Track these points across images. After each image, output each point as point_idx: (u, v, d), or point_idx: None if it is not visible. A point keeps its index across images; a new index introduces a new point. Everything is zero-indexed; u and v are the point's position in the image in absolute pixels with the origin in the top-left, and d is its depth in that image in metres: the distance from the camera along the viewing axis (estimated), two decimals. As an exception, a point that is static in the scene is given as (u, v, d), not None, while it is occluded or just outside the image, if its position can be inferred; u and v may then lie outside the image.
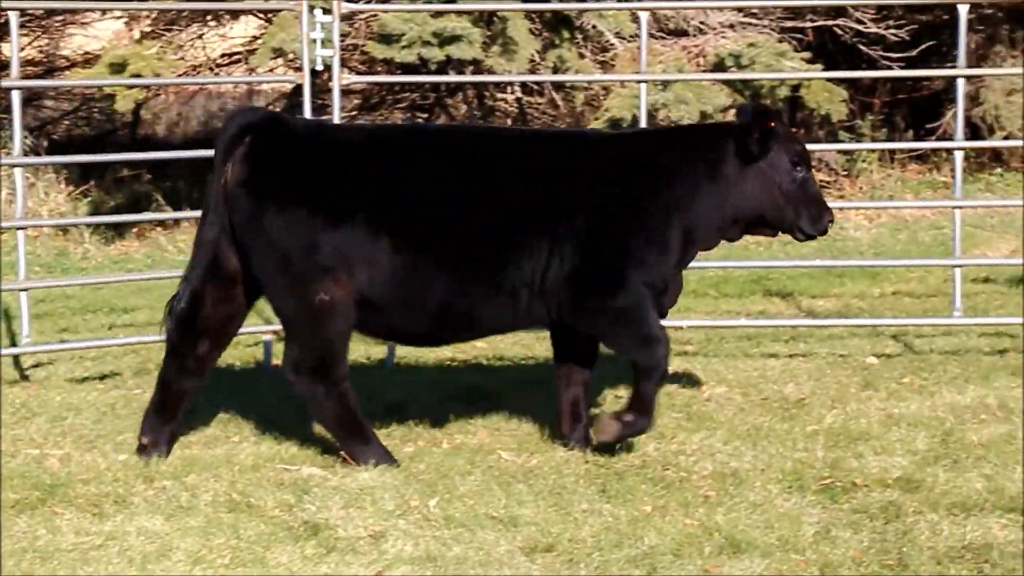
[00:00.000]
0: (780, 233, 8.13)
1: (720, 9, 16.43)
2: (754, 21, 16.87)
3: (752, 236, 8.73)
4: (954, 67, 10.58)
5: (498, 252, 7.67)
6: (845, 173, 17.50)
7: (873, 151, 17.50)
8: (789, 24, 17.27)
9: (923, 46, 18.04)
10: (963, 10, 10.08)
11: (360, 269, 7.55)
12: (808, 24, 17.65)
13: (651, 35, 16.08)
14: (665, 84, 14.82)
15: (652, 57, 15.08)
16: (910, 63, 17.56)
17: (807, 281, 12.80)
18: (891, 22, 17.86)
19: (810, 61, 15.70)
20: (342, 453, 7.77)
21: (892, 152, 17.72)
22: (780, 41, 16.32)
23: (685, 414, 8.64)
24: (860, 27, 17.61)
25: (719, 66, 15.59)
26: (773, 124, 7.84)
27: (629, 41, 15.94)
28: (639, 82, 10.57)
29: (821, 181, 16.06)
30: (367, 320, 7.72)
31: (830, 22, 17.64)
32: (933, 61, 18.30)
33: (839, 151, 17.36)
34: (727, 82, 15.39)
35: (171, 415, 7.92)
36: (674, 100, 14.93)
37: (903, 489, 7.17)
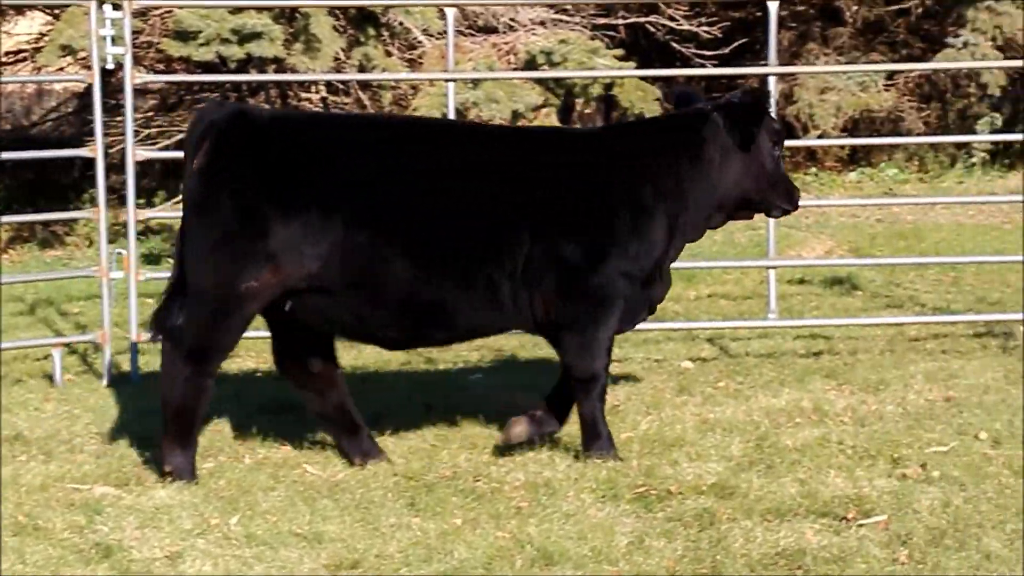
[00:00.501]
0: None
1: (531, 5, 16.54)
2: (565, 18, 17.03)
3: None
4: (766, 65, 10.75)
5: (472, 243, 7.69)
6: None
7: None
8: (601, 21, 17.48)
9: (736, 43, 18.38)
10: (773, 7, 10.24)
11: (315, 260, 7.54)
12: (620, 21, 17.87)
13: (460, 32, 16.17)
14: (475, 82, 14.87)
15: (461, 55, 15.13)
16: (724, 61, 17.88)
17: (622, 284, 12.89)
18: (704, 19, 18.16)
19: (623, 59, 15.91)
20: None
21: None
22: (592, 38, 16.51)
23: (498, 423, 8.64)
24: (673, 24, 17.87)
25: (530, 64, 15.72)
26: (764, 113, 8.02)
27: (437, 38, 15.98)
28: (447, 81, 10.59)
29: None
30: (333, 314, 7.72)
31: (642, 19, 17.89)
32: (747, 59, 18.67)
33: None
34: (539, 80, 15.50)
35: (348, 422, 8.00)
36: (485, 99, 15.02)
37: (718, 496, 7.25)
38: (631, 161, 7.94)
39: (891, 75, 19.39)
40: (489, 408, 8.97)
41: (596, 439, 7.87)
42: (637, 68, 15.56)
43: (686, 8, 17.74)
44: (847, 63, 19.50)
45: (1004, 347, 10.50)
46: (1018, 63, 17.86)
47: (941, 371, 9.67)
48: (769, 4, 10.26)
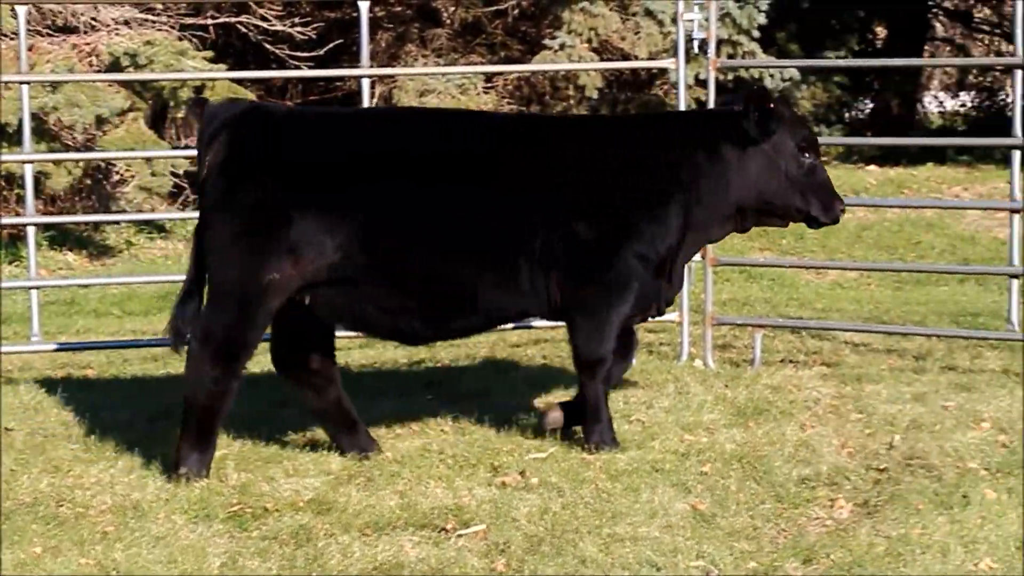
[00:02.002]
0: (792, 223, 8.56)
1: (113, 4, 16.30)
2: (152, 18, 16.86)
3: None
4: (360, 67, 10.85)
5: (491, 228, 7.87)
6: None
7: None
8: (190, 21, 17.36)
9: (331, 45, 18.51)
10: (364, 7, 10.36)
11: (335, 250, 7.71)
12: (210, 21, 17.78)
13: (36, 32, 15.83)
14: (54, 85, 14.58)
15: (39, 56, 14.82)
16: (320, 63, 17.99)
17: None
18: (297, 20, 18.24)
19: (214, 60, 15.84)
20: None
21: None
22: (180, 39, 16.38)
23: (83, 445, 8.50)
24: (265, 25, 17.89)
25: (114, 66, 15.52)
26: (772, 105, 8.16)
27: (11, 38, 15.59)
28: (22, 83, 10.35)
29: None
30: (354, 307, 7.87)
31: (233, 19, 17.84)
32: (344, 60, 18.81)
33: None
34: (124, 83, 15.31)
35: (346, 418, 8.26)
36: (66, 103, 14.75)
37: (315, 511, 7.31)
38: (648, 149, 8.18)
39: (490, 77, 19.82)
40: (72, 432, 8.82)
41: (597, 423, 8.16)
42: (229, 70, 15.51)
43: (279, 8, 17.78)
44: (446, 65, 19.84)
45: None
46: (614, 64, 18.50)
47: (542, 377, 9.94)
48: (360, 4, 10.38)
